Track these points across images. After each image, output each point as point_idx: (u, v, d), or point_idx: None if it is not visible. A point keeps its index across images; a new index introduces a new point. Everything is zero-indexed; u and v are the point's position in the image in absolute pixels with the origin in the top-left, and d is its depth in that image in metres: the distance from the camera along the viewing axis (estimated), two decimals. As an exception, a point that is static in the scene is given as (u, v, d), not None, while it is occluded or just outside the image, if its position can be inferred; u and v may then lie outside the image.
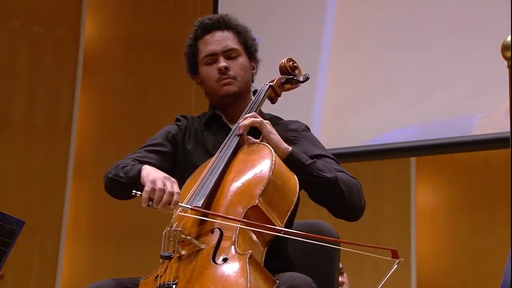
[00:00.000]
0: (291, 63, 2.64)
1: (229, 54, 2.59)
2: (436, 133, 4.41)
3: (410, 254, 5.82)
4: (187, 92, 5.58)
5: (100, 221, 5.81)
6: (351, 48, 4.79)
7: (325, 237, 2.31)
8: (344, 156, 4.13)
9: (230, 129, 2.47)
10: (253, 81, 2.65)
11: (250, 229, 2.15)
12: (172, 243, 2.11)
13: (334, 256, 2.58)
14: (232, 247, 2.08)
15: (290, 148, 2.37)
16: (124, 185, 2.32)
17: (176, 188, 2.18)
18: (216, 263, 2.04)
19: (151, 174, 2.23)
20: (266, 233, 2.17)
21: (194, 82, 2.71)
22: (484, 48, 4.24)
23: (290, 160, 2.33)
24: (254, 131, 2.41)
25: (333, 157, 2.48)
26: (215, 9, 5.25)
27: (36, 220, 5.38)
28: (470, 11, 4.42)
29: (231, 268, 2.01)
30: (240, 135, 2.39)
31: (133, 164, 2.37)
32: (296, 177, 2.30)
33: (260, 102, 2.53)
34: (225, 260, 2.04)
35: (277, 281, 2.07)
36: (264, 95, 2.55)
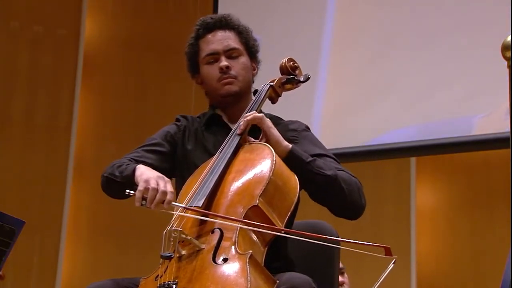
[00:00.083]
0: (291, 63, 2.64)
1: (230, 53, 2.59)
2: (436, 133, 4.41)
3: (410, 254, 5.81)
4: (187, 92, 5.58)
5: (100, 221, 5.81)
6: (351, 48, 4.79)
7: (323, 236, 2.31)
8: (344, 156, 4.13)
9: (230, 129, 2.47)
10: (253, 82, 2.65)
11: (250, 229, 2.15)
12: (172, 243, 2.11)
13: (334, 256, 2.58)
14: (233, 247, 2.08)
15: (291, 146, 2.37)
16: (119, 184, 2.32)
17: (169, 188, 2.18)
18: (216, 263, 2.04)
19: (144, 173, 2.24)
20: (266, 233, 2.17)
21: (194, 82, 2.70)
22: (484, 48, 4.23)
23: (290, 158, 2.34)
24: (255, 131, 2.41)
25: (334, 156, 2.48)
26: (215, 9, 5.25)
27: (36, 220, 5.38)
28: (470, 11, 4.42)
29: (231, 268, 2.01)
30: (241, 135, 2.39)
31: (128, 164, 2.37)
32: (296, 177, 2.30)
33: (261, 102, 2.53)
34: (225, 260, 2.04)
35: (277, 281, 2.07)
36: (265, 95, 2.55)
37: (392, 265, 3.77)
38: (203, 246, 2.11)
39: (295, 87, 2.66)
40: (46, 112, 5.91)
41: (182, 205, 2.14)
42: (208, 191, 2.21)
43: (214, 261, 2.05)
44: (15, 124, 5.81)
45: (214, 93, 2.59)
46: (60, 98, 5.96)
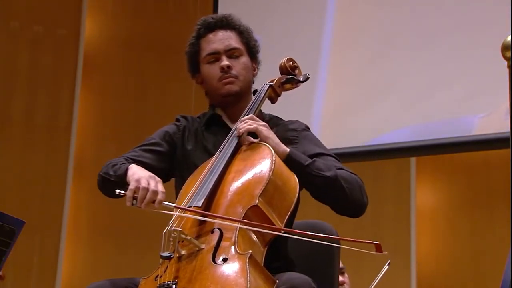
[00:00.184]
0: (291, 63, 2.64)
1: (231, 53, 2.59)
2: (436, 133, 4.41)
3: (410, 254, 5.81)
4: (187, 92, 5.58)
5: (100, 221, 5.81)
6: (351, 48, 4.79)
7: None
8: (344, 156, 4.12)
9: (230, 129, 2.47)
10: (253, 82, 2.65)
11: (250, 229, 2.15)
12: (172, 243, 2.11)
13: (334, 256, 2.58)
14: (232, 247, 2.08)
15: (288, 150, 2.37)
16: (113, 184, 2.32)
17: (160, 187, 2.18)
18: (216, 263, 2.04)
19: (136, 173, 2.24)
20: (266, 233, 2.17)
21: (194, 82, 2.70)
22: (484, 48, 4.23)
23: (289, 162, 2.33)
24: (254, 131, 2.42)
25: (334, 155, 2.48)
26: (215, 9, 5.25)
27: (36, 220, 5.38)
28: (470, 11, 4.42)
29: (231, 268, 2.01)
30: (240, 136, 2.39)
31: (122, 163, 2.38)
32: (296, 177, 2.30)
33: (260, 102, 2.53)
34: (225, 260, 2.04)
35: (277, 281, 2.07)
36: (264, 95, 2.55)
37: (387, 267, 3.78)
38: (202, 246, 2.11)
39: (295, 87, 2.66)
40: (46, 112, 5.90)
41: (173, 205, 2.14)
42: (208, 191, 2.21)
43: (213, 261, 2.05)
44: (15, 124, 5.81)
45: (215, 92, 2.59)
46: (60, 98, 5.96)
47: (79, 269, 5.75)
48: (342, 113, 4.77)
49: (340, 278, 3.75)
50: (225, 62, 2.56)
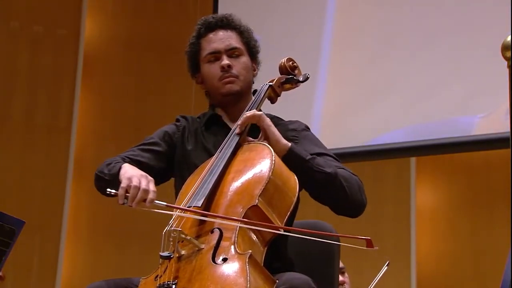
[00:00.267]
0: (290, 62, 2.64)
1: (232, 52, 2.59)
2: (436, 133, 4.41)
3: (410, 254, 5.82)
4: (187, 92, 5.58)
5: (100, 221, 5.81)
6: (351, 48, 4.79)
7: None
8: (344, 156, 4.12)
9: (230, 129, 2.47)
10: (253, 83, 2.65)
11: (249, 229, 2.15)
12: (172, 243, 2.11)
13: (334, 256, 2.58)
14: (232, 247, 2.08)
15: (290, 144, 2.37)
16: (106, 182, 2.33)
17: (151, 187, 2.18)
18: (216, 263, 2.04)
19: (128, 172, 2.25)
20: (266, 233, 2.17)
21: (194, 82, 2.70)
22: (484, 48, 4.24)
23: (290, 156, 2.33)
24: (254, 131, 2.41)
25: (333, 155, 2.48)
26: (215, 9, 5.25)
27: (36, 220, 5.38)
28: (470, 11, 4.42)
29: (230, 268, 2.01)
30: (240, 135, 2.39)
31: (117, 162, 2.38)
32: (296, 177, 2.30)
33: (260, 102, 2.53)
34: (224, 260, 2.04)
35: (277, 281, 2.07)
36: (264, 95, 2.55)
37: (386, 267, 3.78)
38: (202, 246, 2.11)
39: (295, 87, 2.66)
40: (46, 112, 5.91)
41: (164, 203, 2.14)
42: (208, 191, 2.21)
43: (213, 261, 2.05)
44: (15, 124, 5.81)
45: (215, 92, 2.59)
46: (60, 98, 5.97)
47: (79, 269, 5.75)
48: (342, 113, 4.77)
49: (340, 278, 3.75)
50: (225, 61, 2.56)
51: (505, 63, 1.91)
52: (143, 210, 2.15)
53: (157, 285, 2.07)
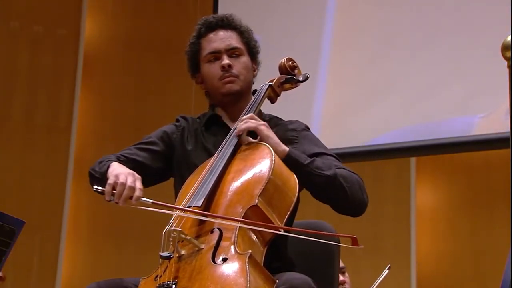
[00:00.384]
0: (290, 62, 2.64)
1: (232, 52, 2.59)
2: (436, 133, 4.41)
3: (410, 254, 5.82)
4: (187, 92, 5.57)
5: (100, 221, 5.81)
6: (351, 48, 4.79)
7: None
8: (344, 156, 4.10)
9: (230, 129, 2.47)
10: (253, 83, 2.65)
11: (249, 229, 2.15)
12: (171, 243, 2.11)
13: (334, 255, 2.58)
14: (232, 247, 2.08)
15: (288, 149, 2.37)
16: (97, 180, 2.35)
17: (138, 184, 2.19)
18: (216, 263, 2.04)
19: (116, 169, 2.26)
20: (265, 233, 2.17)
21: (194, 82, 2.70)
22: (484, 48, 4.24)
23: (288, 161, 2.33)
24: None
25: (334, 154, 2.48)
26: (215, 9, 5.25)
27: (36, 220, 5.38)
28: (470, 11, 4.42)
29: (230, 268, 2.01)
30: (239, 135, 2.39)
31: (109, 160, 2.39)
32: (295, 177, 2.30)
33: (260, 101, 2.53)
34: (224, 260, 2.04)
35: (277, 281, 2.07)
36: (264, 94, 2.55)
37: (387, 271, 3.78)
38: (202, 246, 2.11)
39: (294, 87, 2.66)
40: (46, 112, 5.91)
41: (150, 201, 2.15)
42: (207, 191, 2.21)
43: (213, 261, 2.05)
44: (15, 124, 5.81)
45: (215, 91, 2.59)
46: (60, 98, 5.97)
47: (79, 269, 5.75)
48: (342, 113, 4.77)
49: (341, 278, 3.75)
50: (226, 61, 2.56)
51: (505, 63, 1.91)
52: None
53: (157, 285, 2.07)
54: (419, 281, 5.80)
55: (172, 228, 2.12)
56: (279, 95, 2.62)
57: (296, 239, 2.24)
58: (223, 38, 2.60)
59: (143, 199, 2.16)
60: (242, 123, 2.40)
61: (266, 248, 2.18)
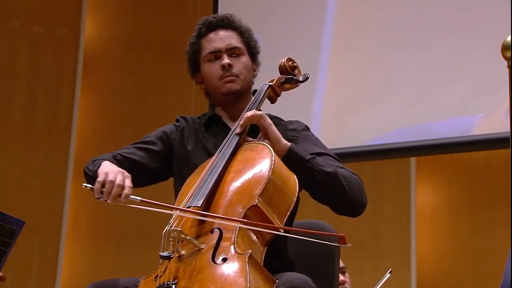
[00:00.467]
0: (290, 62, 2.64)
1: (232, 52, 2.59)
2: (436, 133, 4.41)
3: (410, 254, 5.82)
4: (187, 92, 5.58)
5: (100, 221, 5.81)
6: (351, 48, 4.79)
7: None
8: (344, 156, 4.12)
9: (230, 129, 2.47)
10: (253, 83, 2.66)
11: (249, 229, 2.15)
12: (171, 243, 2.11)
13: (334, 255, 2.58)
14: (232, 247, 2.08)
15: (290, 144, 2.37)
16: (90, 178, 2.36)
17: (127, 182, 2.19)
18: (216, 263, 2.04)
19: (106, 168, 2.26)
20: (265, 233, 2.17)
21: (194, 82, 2.70)
22: (484, 48, 4.24)
23: (289, 156, 2.33)
24: (254, 131, 2.41)
25: (333, 155, 2.48)
26: (215, 9, 5.25)
27: (36, 220, 5.38)
28: (470, 11, 4.42)
29: (230, 268, 2.01)
30: (240, 135, 2.39)
31: (102, 159, 2.40)
32: (295, 177, 2.29)
33: (260, 102, 2.53)
34: (224, 260, 2.04)
35: (277, 281, 2.07)
36: (264, 95, 2.55)
37: (389, 275, 3.79)
38: (202, 246, 2.11)
39: (294, 87, 2.66)
40: (46, 112, 5.91)
41: (139, 198, 2.15)
42: (207, 191, 2.21)
43: (213, 261, 2.05)
44: (15, 124, 5.81)
45: (215, 91, 2.59)
46: (60, 98, 5.97)
47: (79, 269, 5.75)
48: (342, 113, 4.77)
49: (341, 278, 3.75)
50: (226, 60, 2.56)
51: (505, 63, 1.91)
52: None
53: (157, 285, 2.07)
54: (419, 281, 5.81)
55: (172, 228, 2.12)
56: (279, 95, 2.62)
57: (296, 239, 2.24)
58: (224, 38, 2.60)
59: (132, 197, 2.16)
60: (246, 114, 2.39)
61: (266, 248, 2.18)
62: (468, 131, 4.36)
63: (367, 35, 4.74)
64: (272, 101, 2.62)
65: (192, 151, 2.56)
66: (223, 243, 2.10)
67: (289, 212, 2.23)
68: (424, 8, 4.58)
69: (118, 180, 2.18)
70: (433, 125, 4.44)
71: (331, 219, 2.58)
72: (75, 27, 6.05)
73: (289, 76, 2.63)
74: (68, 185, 5.77)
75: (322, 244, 2.29)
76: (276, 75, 2.64)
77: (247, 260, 2.01)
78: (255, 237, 2.16)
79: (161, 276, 2.10)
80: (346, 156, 4.42)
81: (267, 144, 2.32)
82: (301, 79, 2.63)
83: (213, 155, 2.39)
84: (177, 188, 2.46)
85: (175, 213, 2.19)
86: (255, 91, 2.61)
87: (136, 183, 2.45)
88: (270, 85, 2.58)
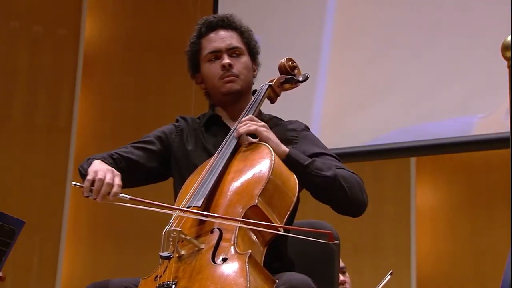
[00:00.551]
0: (290, 62, 2.64)
1: (232, 52, 2.59)
2: (436, 133, 4.41)
3: (410, 254, 5.82)
4: (187, 92, 5.58)
5: (100, 221, 5.81)
6: (351, 48, 4.79)
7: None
8: (344, 156, 4.10)
9: (230, 129, 2.47)
10: (253, 84, 2.66)
11: (249, 229, 2.15)
12: (171, 243, 2.11)
13: (334, 255, 2.58)
14: (232, 247, 2.08)
15: (288, 150, 2.37)
16: (83, 176, 2.35)
17: (117, 181, 2.20)
18: (216, 263, 2.04)
19: (95, 166, 2.27)
20: (265, 233, 2.17)
21: (194, 82, 2.70)
22: (484, 48, 4.24)
23: (288, 162, 2.33)
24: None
25: (333, 154, 2.48)
26: (215, 9, 5.25)
27: (36, 220, 5.38)
28: (470, 11, 4.42)
29: (230, 268, 2.01)
30: (239, 136, 2.39)
31: (95, 158, 2.41)
32: (295, 177, 2.30)
33: (260, 102, 2.53)
34: (224, 260, 2.04)
35: (277, 281, 2.07)
36: (264, 95, 2.55)
37: (389, 277, 3.79)
38: (202, 246, 2.11)
39: (294, 87, 2.66)
40: (46, 112, 5.91)
41: (128, 197, 2.15)
42: (207, 191, 2.21)
43: (213, 261, 2.05)
44: (15, 124, 5.81)
45: (215, 91, 2.59)
46: (60, 98, 5.97)
47: (79, 269, 5.75)
48: (342, 113, 4.77)
49: (341, 277, 3.75)
50: (226, 60, 2.56)
51: (505, 63, 1.91)
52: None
53: (157, 285, 2.07)
54: (419, 281, 5.80)
55: (172, 228, 2.12)
56: (279, 95, 2.62)
57: (296, 239, 2.24)
58: (224, 38, 2.61)
59: (121, 195, 2.16)
60: (241, 124, 2.40)
61: (266, 248, 2.18)
62: (468, 131, 4.36)
63: (367, 35, 4.74)
64: (272, 101, 2.62)
65: (192, 151, 2.56)
66: (223, 243, 2.10)
67: (289, 212, 2.23)
68: (424, 8, 4.58)
69: (108, 178, 2.18)
70: (433, 125, 4.44)
71: (331, 219, 2.58)
72: (75, 27, 6.05)
73: (289, 76, 2.63)
74: (68, 185, 5.77)
75: (322, 244, 2.28)
76: (276, 75, 2.64)
77: (247, 260, 2.01)
78: (255, 237, 2.16)
79: (161, 276, 2.10)
80: (346, 156, 4.41)
81: (267, 144, 2.32)
82: (301, 79, 2.63)
83: (213, 155, 2.39)
84: (177, 188, 2.46)
85: (175, 213, 2.19)
86: (255, 91, 2.61)
87: (133, 182, 2.46)
88: (270, 85, 2.58)
